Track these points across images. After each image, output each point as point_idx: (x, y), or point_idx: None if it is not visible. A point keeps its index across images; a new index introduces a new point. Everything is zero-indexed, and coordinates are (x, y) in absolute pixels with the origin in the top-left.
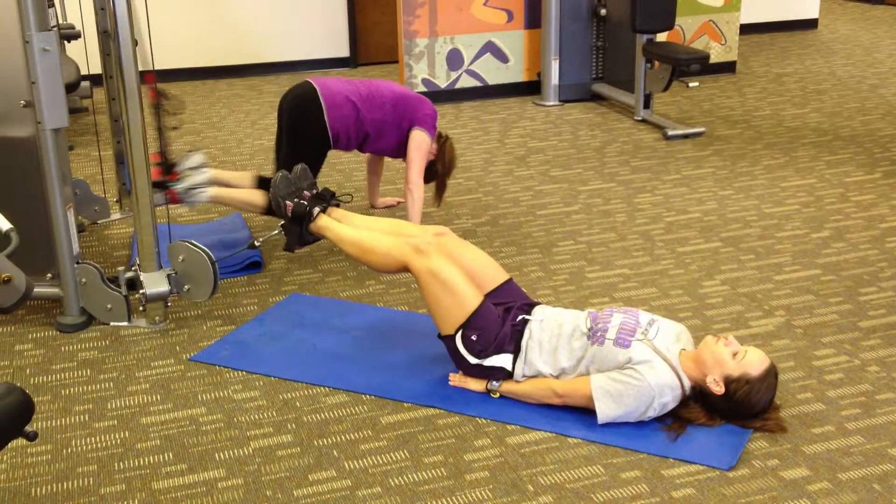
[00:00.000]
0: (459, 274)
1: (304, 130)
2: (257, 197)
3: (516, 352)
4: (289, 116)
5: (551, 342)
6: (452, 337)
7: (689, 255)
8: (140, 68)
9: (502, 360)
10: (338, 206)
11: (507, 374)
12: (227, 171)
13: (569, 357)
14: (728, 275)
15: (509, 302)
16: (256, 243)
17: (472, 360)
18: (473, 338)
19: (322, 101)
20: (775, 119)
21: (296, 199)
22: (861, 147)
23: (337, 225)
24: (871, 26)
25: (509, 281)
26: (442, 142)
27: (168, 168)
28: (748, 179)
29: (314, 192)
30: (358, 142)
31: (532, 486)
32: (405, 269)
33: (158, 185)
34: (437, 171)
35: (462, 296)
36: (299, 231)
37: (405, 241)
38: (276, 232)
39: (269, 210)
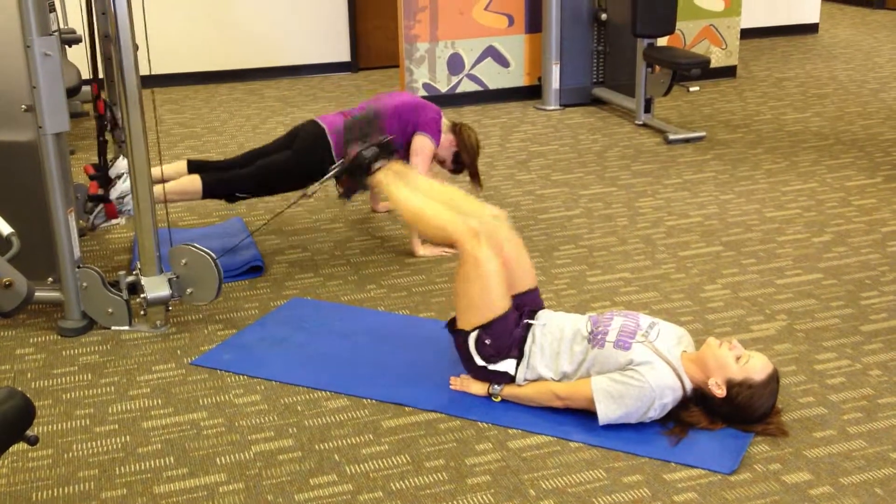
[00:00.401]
0: (499, 274)
1: (311, 164)
2: (193, 183)
3: (520, 356)
4: (300, 147)
5: (553, 346)
6: (466, 333)
7: (691, 259)
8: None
9: (507, 366)
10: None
11: (509, 379)
12: (156, 167)
13: (570, 361)
14: (729, 279)
15: (523, 306)
16: (310, 191)
17: (480, 362)
18: (487, 342)
19: (330, 140)
20: (776, 123)
21: (363, 146)
22: (862, 151)
23: (396, 182)
24: (871, 31)
25: (535, 289)
26: (457, 130)
27: (105, 180)
28: (749, 184)
29: (381, 141)
30: None
31: (533, 491)
32: (452, 245)
33: (96, 199)
34: (464, 160)
35: (493, 297)
36: (359, 179)
37: (463, 219)
38: (333, 174)
39: (208, 194)
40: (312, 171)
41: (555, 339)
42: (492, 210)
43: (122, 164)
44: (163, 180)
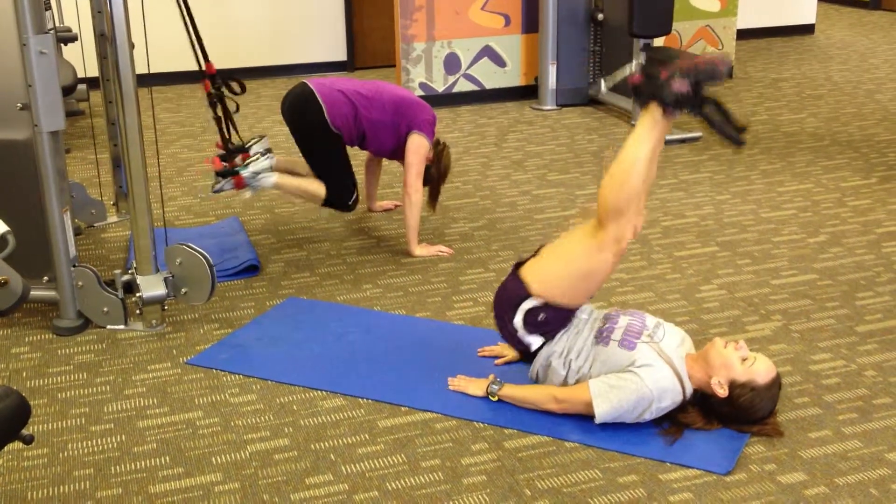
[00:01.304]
0: (607, 276)
1: (312, 132)
2: (318, 187)
3: (550, 338)
4: (292, 121)
5: (572, 338)
6: (527, 294)
7: (686, 260)
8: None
9: (535, 340)
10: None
11: (527, 355)
12: (289, 157)
13: (577, 355)
14: (725, 279)
15: None
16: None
17: (517, 324)
18: (541, 317)
19: (320, 99)
20: (772, 124)
21: (691, 89)
22: (857, 152)
23: (654, 128)
24: (867, 32)
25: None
26: (439, 148)
27: (232, 154)
28: (745, 184)
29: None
30: (356, 139)
31: (529, 491)
32: (601, 221)
33: (224, 174)
34: (433, 177)
35: (586, 289)
36: (649, 96)
37: (632, 220)
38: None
39: (328, 202)
40: (322, 136)
41: (578, 331)
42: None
43: (261, 144)
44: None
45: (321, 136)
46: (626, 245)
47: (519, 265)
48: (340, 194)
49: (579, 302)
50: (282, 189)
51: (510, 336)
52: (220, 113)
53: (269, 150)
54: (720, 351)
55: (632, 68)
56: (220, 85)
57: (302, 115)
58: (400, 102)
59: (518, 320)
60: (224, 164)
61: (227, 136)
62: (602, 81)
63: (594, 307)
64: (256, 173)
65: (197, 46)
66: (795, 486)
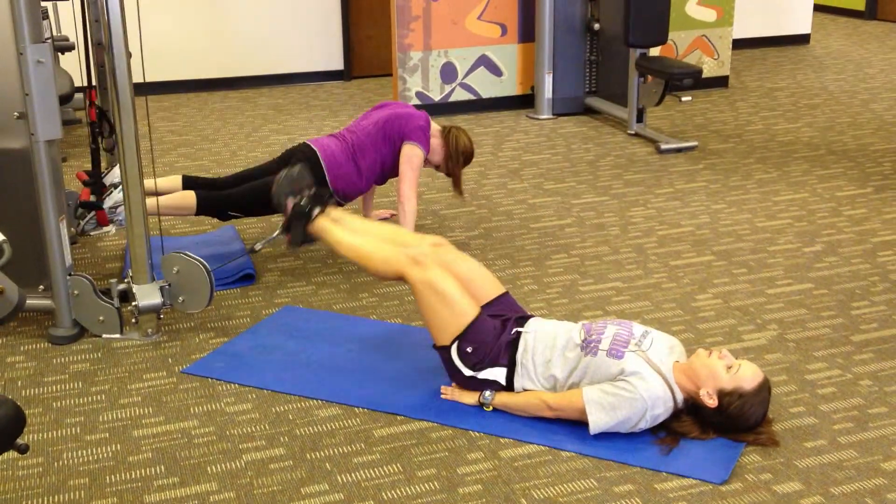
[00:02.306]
0: (456, 286)
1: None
2: (187, 199)
3: (511, 365)
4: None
5: (545, 354)
6: (448, 348)
7: (682, 269)
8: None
9: (496, 374)
10: (339, 205)
11: (500, 387)
12: (150, 179)
13: (562, 369)
14: (720, 288)
15: (505, 315)
16: (258, 247)
17: (467, 372)
18: (469, 350)
19: (323, 164)
20: (767, 133)
21: (297, 198)
22: (853, 162)
23: (334, 228)
24: (862, 41)
25: (505, 294)
26: (445, 133)
27: (97, 188)
28: (740, 193)
29: (313, 191)
30: (372, 183)
31: (525, 500)
32: (401, 278)
33: (88, 206)
34: (448, 165)
35: (458, 308)
36: (300, 230)
37: (402, 251)
38: (277, 233)
39: (201, 210)
40: None
41: (547, 347)
42: (432, 239)
43: (116, 173)
44: (156, 193)
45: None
46: (421, 252)
47: (434, 344)
48: (232, 209)
49: (471, 313)
50: (151, 211)
51: (477, 384)
52: (96, 144)
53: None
54: (704, 361)
55: (277, 233)
56: (100, 115)
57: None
58: (384, 124)
59: (465, 369)
60: (92, 196)
61: (97, 167)
62: (258, 244)
63: (586, 320)
64: (116, 207)
65: (89, 72)
66: (791, 496)
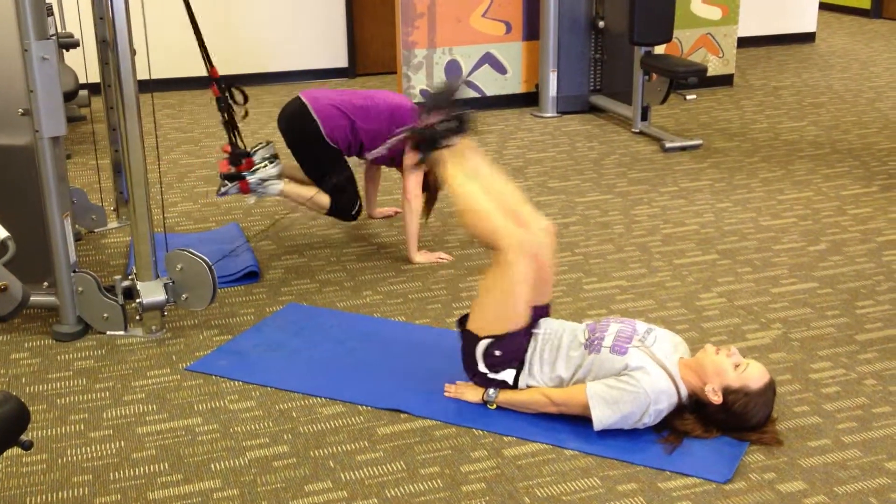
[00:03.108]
0: (529, 291)
1: (309, 147)
2: (323, 196)
3: (520, 365)
4: (289, 137)
5: (551, 354)
6: (477, 339)
7: (686, 268)
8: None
9: (507, 375)
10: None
11: (507, 387)
12: (295, 164)
13: (567, 367)
14: (725, 287)
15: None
16: (370, 157)
17: (483, 369)
18: (497, 353)
19: (314, 115)
20: (772, 132)
21: (440, 118)
22: (858, 160)
23: (458, 169)
24: (868, 40)
25: (548, 305)
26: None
27: (238, 158)
28: (745, 192)
29: (460, 115)
30: (354, 150)
31: (528, 498)
32: (494, 248)
33: (231, 177)
34: (430, 184)
35: (516, 311)
36: (428, 148)
37: (514, 231)
38: (403, 132)
39: (332, 211)
40: (319, 146)
41: (553, 347)
42: (545, 224)
43: (267, 150)
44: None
45: (319, 150)
46: (535, 243)
47: (462, 321)
48: (344, 205)
49: (520, 321)
50: (287, 197)
51: (486, 381)
52: (227, 117)
53: (275, 157)
54: (713, 358)
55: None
56: (225, 89)
57: (298, 131)
58: (395, 110)
59: (482, 366)
60: (231, 167)
61: (234, 141)
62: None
63: (590, 319)
64: (263, 180)
65: (204, 50)
66: (795, 495)
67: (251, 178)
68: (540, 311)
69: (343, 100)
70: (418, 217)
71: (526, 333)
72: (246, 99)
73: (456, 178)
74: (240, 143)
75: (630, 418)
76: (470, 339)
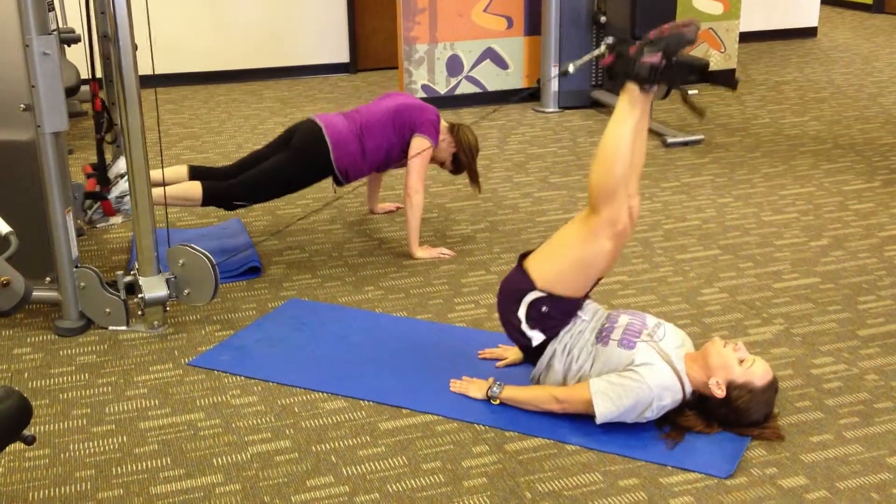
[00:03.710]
0: (607, 264)
1: (308, 165)
2: (194, 189)
3: (551, 336)
4: (293, 148)
5: (573, 338)
6: (532, 286)
7: (688, 263)
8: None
9: (536, 336)
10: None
11: (529, 350)
12: (156, 170)
13: (578, 354)
14: (727, 282)
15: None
16: (571, 69)
17: (521, 316)
18: (544, 309)
19: (328, 139)
20: (774, 127)
21: (659, 61)
22: (860, 156)
23: (630, 106)
24: (870, 35)
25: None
26: (455, 131)
27: (103, 179)
28: (747, 187)
29: (668, 67)
30: (374, 168)
31: (530, 493)
32: (594, 205)
33: (94, 197)
34: (462, 161)
35: (585, 280)
36: (622, 73)
37: (622, 207)
38: (603, 51)
39: (207, 202)
40: (309, 171)
41: (576, 332)
42: (637, 201)
43: (121, 164)
44: (163, 183)
45: (312, 170)
46: (625, 228)
47: (524, 256)
48: (237, 198)
49: (580, 292)
50: (155, 203)
51: (513, 329)
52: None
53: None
54: (720, 351)
55: (602, 50)
56: (104, 107)
57: (305, 149)
58: (395, 112)
59: (521, 313)
60: (97, 186)
61: (101, 159)
62: (570, 65)
63: (600, 307)
64: (122, 197)
65: (92, 62)
66: (796, 490)
67: (111, 196)
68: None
69: (350, 126)
70: (420, 212)
71: (577, 307)
72: (110, 126)
73: (622, 114)
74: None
75: (632, 412)
76: (525, 282)
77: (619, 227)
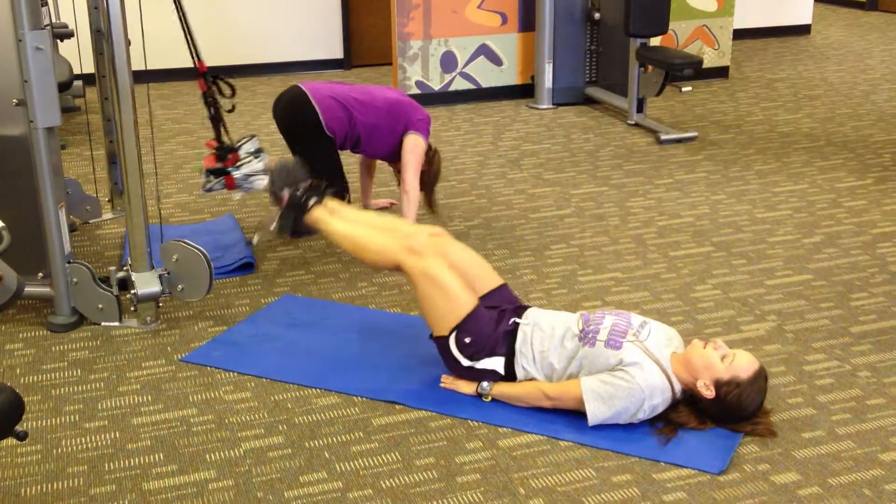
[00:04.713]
0: (453, 276)
1: (305, 134)
2: None
3: (510, 355)
4: (286, 122)
5: (543, 344)
6: (446, 339)
7: (681, 260)
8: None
9: (494, 364)
10: (343, 196)
11: (499, 377)
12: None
13: (559, 359)
14: (720, 279)
15: (502, 306)
16: (254, 241)
17: (465, 362)
18: (467, 340)
19: (314, 102)
20: (768, 124)
21: (293, 189)
22: (853, 153)
23: (331, 219)
24: (863, 32)
25: (503, 285)
26: (431, 154)
27: (224, 153)
28: (740, 184)
29: (309, 183)
30: (350, 143)
31: (523, 489)
32: (398, 268)
33: (217, 172)
34: (425, 181)
35: (456, 298)
36: (294, 222)
37: (399, 240)
38: (273, 226)
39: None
40: (315, 133)
41: (546, 337)
42: (430, 229)
43: (251, 144)
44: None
45: (314, 137)
46: (419, 242)
47: (431, 335)
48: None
49: (466, 303)
50: None
51: (476, 375)
52: (213, 112)
53: (260, 151)
54: (700, 352)
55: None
56: (211, 83)
57: (296, 117)
58: (394, 104)
59: (462, 359)
60: (217, 162)
61: (220, 135)
62: (255, 237)
63: (541, 310)
64: (248, 175)
65: (192, 44)
66: (789, 486)
67: (236, 174)
68: (500, 296)
69: (342, 92)
70: (416, 208)
71: (497, 320)
72: (233, 92)
73: (333, 227)
74: (226, 137)
75: (624, 414)
76: (441, 343)
77: (417, 248)
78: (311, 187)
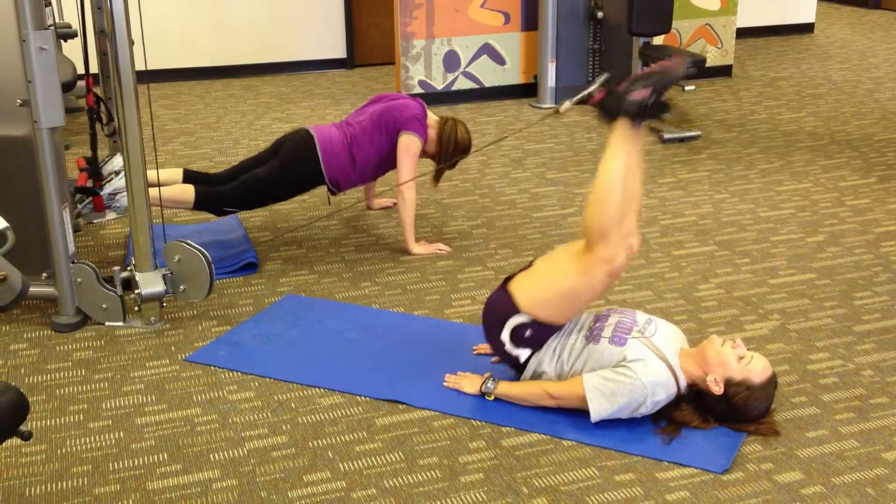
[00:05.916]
0: (592, 302)
1: (299, 173)
2: (186, 192)
3: (536, 350)
4: (285, 156)
5: (561, 342)
6: (516, 309)
7: (685, 259)
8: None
9: (522, 353)
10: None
11: (516, 364)
12: (151, 171)
13: (569, 357)
14: (723, 278)
15: None
16: (562, 109)
17: (505, 338)
18: (527, 333)
19: (318, 149)
20: (771, 123)
21: (647, 96)
22: (856, 152)
23: (622, 143)
24: (866, 31)
25: None
26: (442, 124)
27: (95, 173)
28: (744, 183)
29: (656, 102)
30: (368, 178)
31: (526, 489)
32: (589, 243)
33: (84, 192)
34: (435, 151)
35: (571, 312)
36: (610, 114)
37: (618, 246)
38: (594, 88)
39: (198, 206)
40: (300, 180)
41: (560, 335)
42: (636, 241)
43: (117, 161)
44: (158, 184)
45: (302, 179)
46: (621, 266)
47: (509, 279)
48: (228, 205)
49: (564, 320)
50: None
51: (499, 348)
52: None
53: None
54: (717, 349)
55: (592, 87)
56: (98, 102)
57: (297, 159)
58: (380, 116)
59: (505, 335)
60: (89, 182)
61: (96, 155)
62: (567, 102)
63: (584, 311)
64: (114, 194)
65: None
66: (792, 486)
67: (103, 193)
68: None
69: (341, 136)
70: (412, 207)
71: (557, 328)
72: (110, 119)
73: (613, 150)
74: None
75: (627, 409)
76: (508, 305)
77: (616, 265)
78: (651, 107)
